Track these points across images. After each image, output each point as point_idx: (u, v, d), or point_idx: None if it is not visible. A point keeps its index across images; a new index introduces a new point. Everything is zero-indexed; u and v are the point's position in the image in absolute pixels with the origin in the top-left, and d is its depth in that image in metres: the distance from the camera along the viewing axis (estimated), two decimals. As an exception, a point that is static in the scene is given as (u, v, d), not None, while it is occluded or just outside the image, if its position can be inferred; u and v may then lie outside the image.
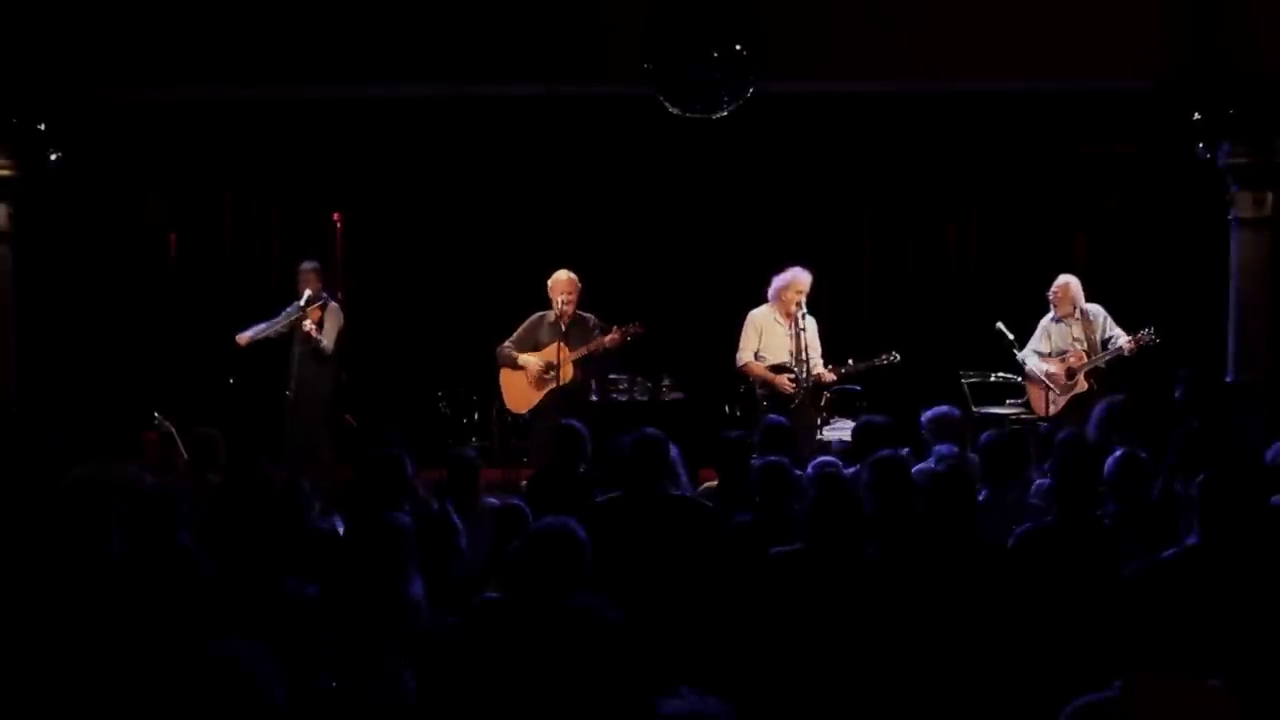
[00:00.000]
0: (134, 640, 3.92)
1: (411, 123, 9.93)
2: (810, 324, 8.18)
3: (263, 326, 8.67)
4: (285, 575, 4.20)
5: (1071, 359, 8.35)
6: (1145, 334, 8.11)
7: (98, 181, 9.59)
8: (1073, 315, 8.40)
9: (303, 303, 8.53)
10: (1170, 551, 4.26)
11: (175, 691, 2.77)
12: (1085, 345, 8.35)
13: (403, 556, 4.26)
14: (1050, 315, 8.50)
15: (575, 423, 6.20)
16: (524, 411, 8.47)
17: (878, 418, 6.49)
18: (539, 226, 10.55)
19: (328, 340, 8.53)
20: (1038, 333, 8.55)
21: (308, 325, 8.48)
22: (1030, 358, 8.46)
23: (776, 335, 8.13)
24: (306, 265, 8.71)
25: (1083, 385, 8.28)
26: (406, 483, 5.17)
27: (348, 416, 9.04)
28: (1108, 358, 8.28)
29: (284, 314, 8.64)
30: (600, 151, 10.34)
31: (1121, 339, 8.22)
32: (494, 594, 4.27)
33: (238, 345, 8.66)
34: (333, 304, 8.68)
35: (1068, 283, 8.42)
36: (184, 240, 10.65)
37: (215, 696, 2.72)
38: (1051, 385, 8.30)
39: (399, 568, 4.24)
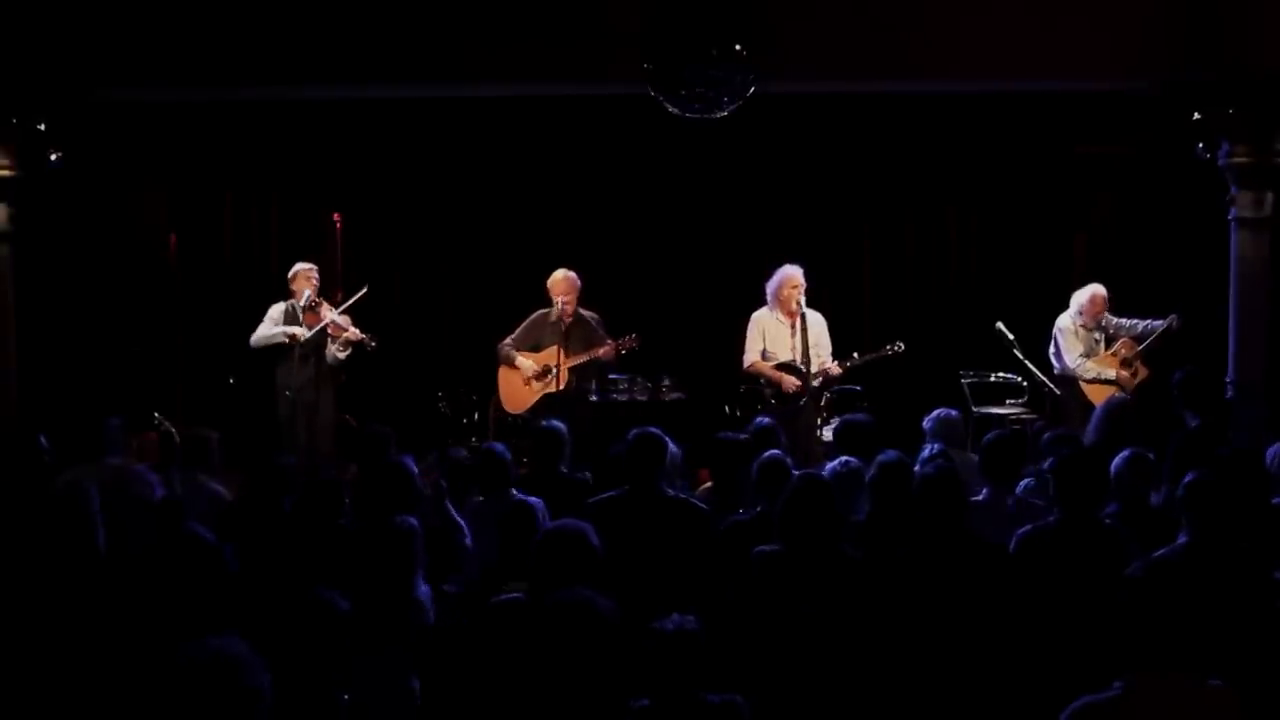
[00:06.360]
0: (120, 637, 3.91)
1: (411, 123, 9.91)
2: (816, 320, 8.16)
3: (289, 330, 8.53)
4: (317, 584, 4.17)
5: (1122, 350, 8.36)
6: (1174, 319, 8.24)
7: (98, 181, 9.58)
8: (1097, 323, 8.47)
9: (302, 303, 8.51)
10: (1162, 551, 4.27)
11: (161, 688, 2.77)
12: (1114, 339, 8.43)
13: (410, 559, 4.28)
14: (1074, 320, 8.44)
15: (555, 423, 6.17)
16: (519, 412, 8.47)
17: (858, 417, 6.51)
18: (539, 227, 10.54)
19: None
20: (1070, 337, 8.43)
21: (351, 333, 8.43)
22: (1086, 366, 8.33)
23: (781, 334, 8.13)
24: (308, 267, 8.69)
25: (1143, 372, 8.31)
26: (414, 487, 5.17)
27: (347, 416, 9.03)
28: (1153, 338, 8.31)
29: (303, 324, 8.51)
30: (600, 151, 10.33)
31: (1155, 322, 8.30)
32: (511, 594, 4.27)
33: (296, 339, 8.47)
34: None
35: (1106, 295, 8.43)
36: (184, 240, 10.63)
37: (201, 692, 2.72)
38: (1122, 384, 8.22)
39: (406, 570, 4.26)
